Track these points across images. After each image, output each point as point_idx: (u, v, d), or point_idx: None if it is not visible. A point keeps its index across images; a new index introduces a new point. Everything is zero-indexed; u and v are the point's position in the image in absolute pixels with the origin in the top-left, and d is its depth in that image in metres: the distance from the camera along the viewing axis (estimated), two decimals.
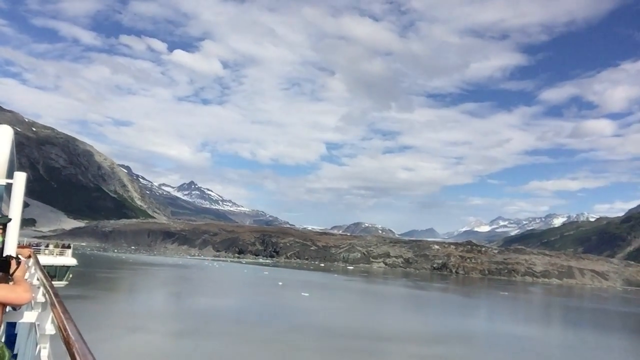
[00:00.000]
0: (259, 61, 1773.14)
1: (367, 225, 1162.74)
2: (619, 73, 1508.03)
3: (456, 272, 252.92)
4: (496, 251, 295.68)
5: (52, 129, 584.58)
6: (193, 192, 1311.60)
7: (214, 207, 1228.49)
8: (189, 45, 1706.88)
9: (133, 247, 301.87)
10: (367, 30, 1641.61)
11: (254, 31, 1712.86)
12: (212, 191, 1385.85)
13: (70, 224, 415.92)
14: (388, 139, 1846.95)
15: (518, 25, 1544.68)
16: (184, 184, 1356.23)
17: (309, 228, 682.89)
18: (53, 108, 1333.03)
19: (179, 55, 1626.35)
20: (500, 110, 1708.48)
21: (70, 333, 2.99)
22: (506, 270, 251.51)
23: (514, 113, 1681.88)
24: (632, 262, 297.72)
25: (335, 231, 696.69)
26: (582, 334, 69.24)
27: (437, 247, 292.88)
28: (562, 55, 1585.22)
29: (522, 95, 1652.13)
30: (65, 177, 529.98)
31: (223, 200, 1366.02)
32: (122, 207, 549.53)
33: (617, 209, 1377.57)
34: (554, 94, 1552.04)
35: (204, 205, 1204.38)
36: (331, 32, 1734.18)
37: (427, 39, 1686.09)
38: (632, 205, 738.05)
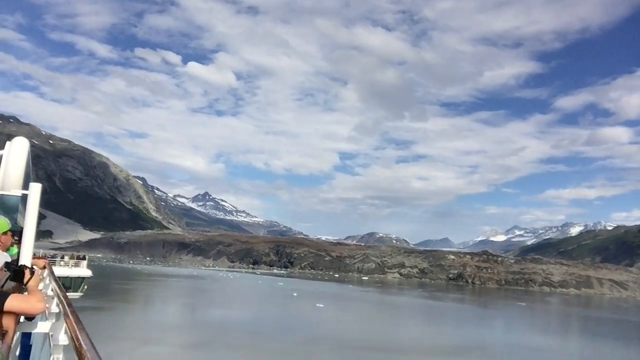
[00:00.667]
0: (272, 72, 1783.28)
1: (381, 235, 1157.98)
2: (635, 80, 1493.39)
3: (472, 282, 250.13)
4: (513, 261, 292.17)
5: (69, 142, 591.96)
6: (207, 203, 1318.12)
7: (228, 218, 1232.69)
8: (203, 57, 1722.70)
9: (148, 258, 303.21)
10: (379, 40, 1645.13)
11: (267, 42, 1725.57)
12: (226, 202, 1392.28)
13: (86, 235, 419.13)
14: (401, 148, 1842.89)
15: (531, 33, 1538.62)
16: (199, 194, 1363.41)
17: (323, 238, 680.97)
18: (69, 121, 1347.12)
19: (193, 67, 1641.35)
20: (514, 119, 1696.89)
21: (82, 344, 3.00)
22: (523, 281, 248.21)
23: (529, 121, 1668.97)
24: None
25: (349, 241, 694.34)
26: (601, 346, 67.92)
27: (452, 257, 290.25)
28: (576, 63, 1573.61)
29: (537, 103, 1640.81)
30: (81, 189, 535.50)
31: (237, 211, 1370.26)
32: (137, 219, 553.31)
33: (635, 217, 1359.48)
34: (569, 102, 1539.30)
35: (218, 216, 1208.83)
36: (344, 43, 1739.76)
37: (440, 48, 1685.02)
38: None
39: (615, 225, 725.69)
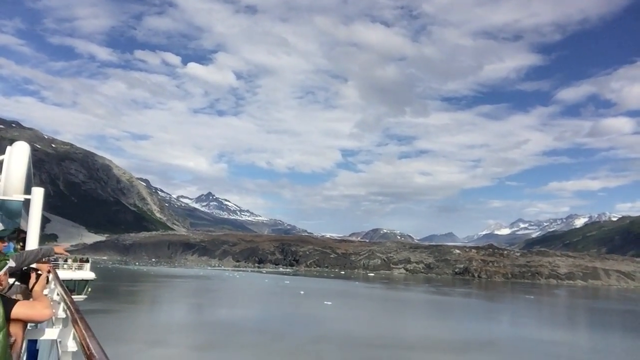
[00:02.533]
0: (273, 71, 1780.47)
1: (385, 231, 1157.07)
2: (636, 70, 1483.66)
3: (479, 276, 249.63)
4: (518, 254, 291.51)
5: (71, 145, 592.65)
6: (211, 203, 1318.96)
7: (232, 218, 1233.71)
8: (203, 57, 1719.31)
9: (154, 260, 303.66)
10: (379, 36, 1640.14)
11: (267, 41, 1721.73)
12: (229, 201, 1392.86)
13: (91, 238, 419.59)
14: (404, 144, 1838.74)
15: (531, 25, 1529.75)
16: (202, 195, 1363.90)
17: (328, 236, 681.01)
18: (71, 124, 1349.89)
19: (193, 68, 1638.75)
20: (516, 112, 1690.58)
21: (93, 351, 2.98)
22: (530, 273, 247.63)
23: (531, 114, 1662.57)
24: None
25: (353, 238, 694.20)
26: (610, 338, 67.49)
27: (458, 251, 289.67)
28: (577, 54, 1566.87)
29: (538, 95, 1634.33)
30: (85, 192, 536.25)
31: (241, 211, 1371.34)
32: (141, 220, 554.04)
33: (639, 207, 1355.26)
34: (571, 93, 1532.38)
35: (222, 216, 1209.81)
36: (343, 40, 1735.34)
37: (439, 43, 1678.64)
38: None
39: (620, 216, 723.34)
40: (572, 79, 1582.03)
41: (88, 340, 3.24)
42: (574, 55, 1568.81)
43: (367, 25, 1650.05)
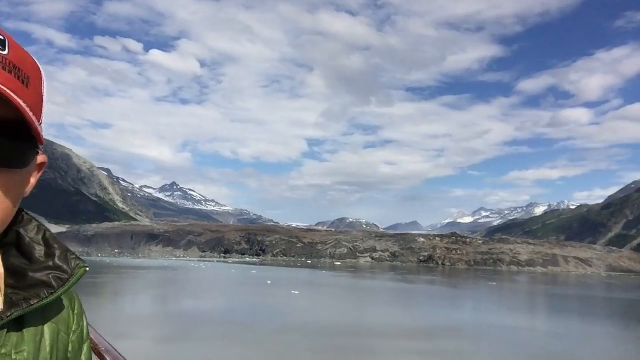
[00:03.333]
0: (237, 59, 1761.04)
1: (351, 220, 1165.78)
2: (594, 62, 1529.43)
3: (442, 264, 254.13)
4: (481, 242, 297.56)
5: None
6: (175, 193, 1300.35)
7: (197, 208, 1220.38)
8: (165, 44, 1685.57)
9: (117, 251, 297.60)
10: (344, 25, 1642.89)
11: (231, 29, 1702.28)
12: (194, 191, 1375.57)
13: (51, 229, 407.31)
14: (369, 133, 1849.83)
15: (493, 17, 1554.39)
16: (166, 185, 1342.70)
17: (294, 225, 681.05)
18: None
19: (156, 55, 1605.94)
20: (478, 102, 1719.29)
21: None
22: (492, 261, 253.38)
23: (493, 104, 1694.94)
24: (614, 248, 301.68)
25: (320, 227, 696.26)
26: (569, 322, 69.41)
27: (422, 239, 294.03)
28: (537, 46, 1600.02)
29: (500, 86, 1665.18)
30: (44, 182, 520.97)
31: (206, 200, 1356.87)
32: (103, 211, 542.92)
33: (597, 196, 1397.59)
34: (531, 85, 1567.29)
35: (186, 206, 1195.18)
36: (308, 28, 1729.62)
37: (404, 33, 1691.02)
38: (610, 192, 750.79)
39: (578, 205, 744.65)
40: (533, 71, 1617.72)
41: None
42: (534, 47, 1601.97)
43: (333, 14, 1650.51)
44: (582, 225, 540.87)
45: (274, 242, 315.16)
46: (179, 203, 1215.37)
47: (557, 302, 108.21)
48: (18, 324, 1.00)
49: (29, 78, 0.90)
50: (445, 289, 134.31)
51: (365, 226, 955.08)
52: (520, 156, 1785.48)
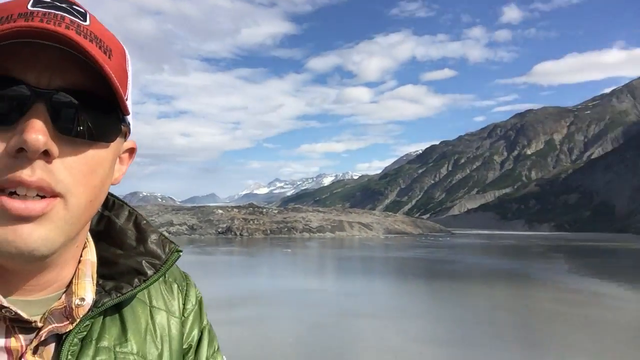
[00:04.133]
0: None
1: (145, 194, 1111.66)
2: (374, 45, 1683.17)
3: (241, 234, 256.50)
4: (276, 211, 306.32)
5: None
6: None
7: None
8: None
9: None
10: None
11: None
12: None
13: None
14: (162, 103, 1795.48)
15: None
16: None
17: None
18: None
19: None
20: (273, 77, 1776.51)
21: None
22: (286, 229, 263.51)
23: (286, 80, 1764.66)
24: (390, 213, 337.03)
25: None
26: (355, 281, 76.70)
27: (220, 211, 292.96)
28: (325, 26, 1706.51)
29: (292, 62, 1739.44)
30: None
31: None
32: None
33: (376, 167, 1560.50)
34: (320, 63, 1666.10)
35: None
36: None
37: (198, 1, 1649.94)
38: (387, 163, 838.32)
39: (360, 175, 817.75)
40: (321, 49, 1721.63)
41: None
42: (323, 27, 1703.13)
43: None
44: (364, 194, 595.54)
45: None
46: None
47: (344, 264, 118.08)
48: (114, 313, 0.95)
49: (111, 50, 0.82)
50: (243, 258, 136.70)
51: (160, 200, 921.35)
52: (310, 130, 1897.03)
